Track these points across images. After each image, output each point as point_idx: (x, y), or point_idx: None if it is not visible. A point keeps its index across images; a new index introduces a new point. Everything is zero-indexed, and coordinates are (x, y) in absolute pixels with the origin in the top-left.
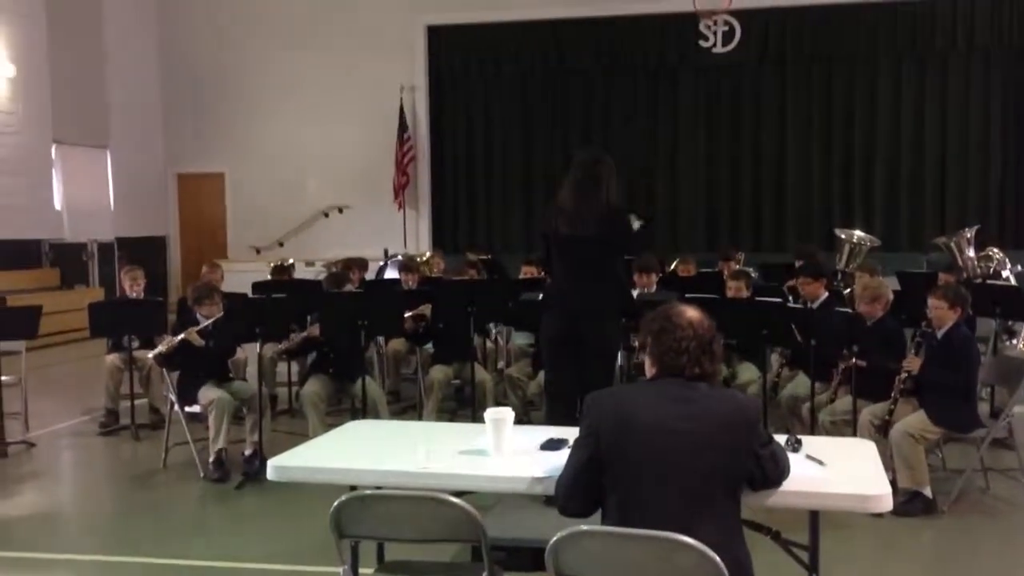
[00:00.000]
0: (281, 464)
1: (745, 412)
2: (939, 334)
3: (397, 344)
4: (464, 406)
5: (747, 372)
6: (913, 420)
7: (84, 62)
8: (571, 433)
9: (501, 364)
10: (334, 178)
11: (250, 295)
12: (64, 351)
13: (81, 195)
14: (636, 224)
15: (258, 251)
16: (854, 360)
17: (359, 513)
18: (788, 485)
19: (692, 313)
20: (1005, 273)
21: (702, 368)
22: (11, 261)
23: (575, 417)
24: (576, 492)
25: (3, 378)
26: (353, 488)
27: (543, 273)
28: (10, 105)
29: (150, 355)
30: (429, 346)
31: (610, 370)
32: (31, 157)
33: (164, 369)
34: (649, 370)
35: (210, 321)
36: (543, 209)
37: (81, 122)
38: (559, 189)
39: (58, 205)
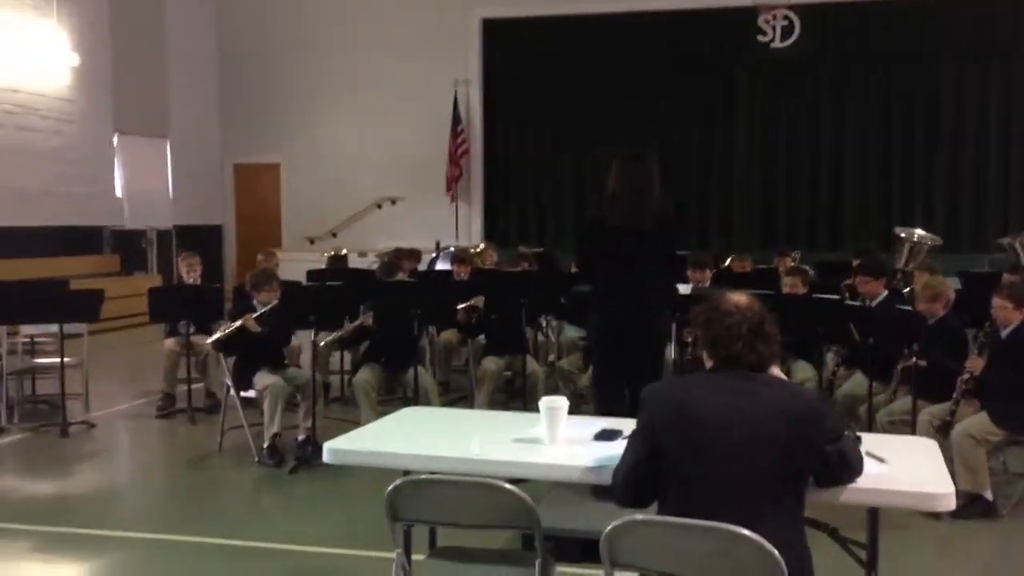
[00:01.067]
0: (337, 447)
1: (810, 405)
2: (1003, 334)
3: (448, 335)
4: (514, 398)
5: (802, 371)
6: (975, 422)
7: (146, 53)
8: (625, 424)
9: (552, 357)
10: (388, 170)
11: (304, 283)
12: (122, 336)
13: (141, 183)
14: None
15: (312, 241)
16: (914, 359)
17: (414, 497)
18: None
19: (738, 297)
20: None
21: (758, 353)
22: (74, 247)
23: (624, 411)
24: (633, 483)
25: (66, 359)
26: (406, 473)
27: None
28: (73, 95)
29: (208, 341)
30: (480, 338)
31: (659, 364)
32: (93, 146)
33: (220, 354)
34: (707, 363)
35: (267, 308)
36: (592, 205)
37: (142, 112)
38: (606, 184)
39: (119, 193)
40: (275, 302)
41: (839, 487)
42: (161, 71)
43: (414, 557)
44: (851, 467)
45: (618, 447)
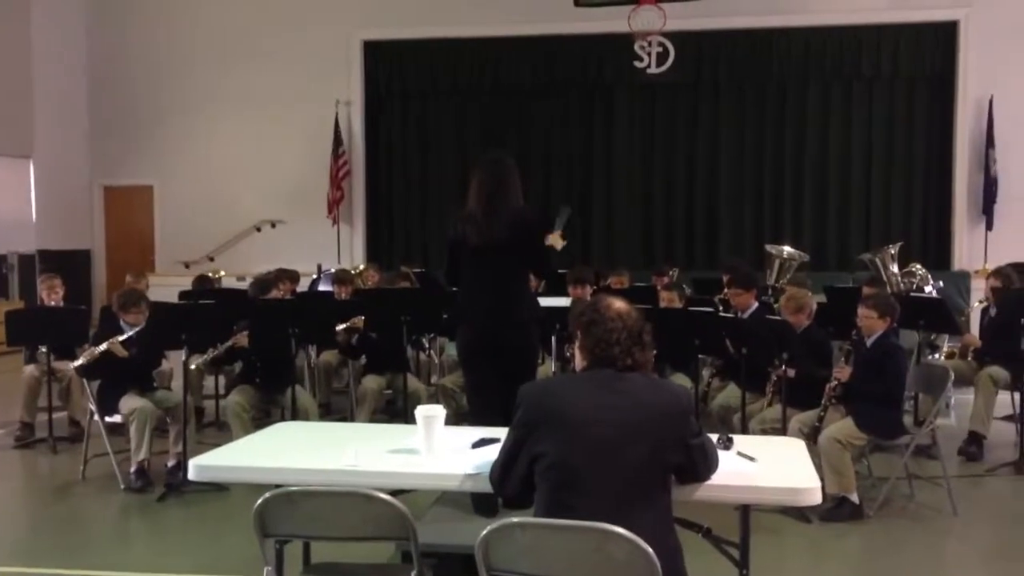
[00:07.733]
0: (203, 463)
1: (679, 401)
2: (868, 343)
3: (329, 356)
4: (396, 418)
5: (678, 382)
6: (841, 427)
7: (8, 69)
8: (503, 433)
9: (435, 378)
10: (267, 192)
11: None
12: None
13: (2, 206)
14: (560, 224)
15: (187, 265)
16: (784, 368)
17: (284, 511)
18: (720, 479)
19: (619, 304)
20: (928, 289)
21: (634, 359)
22: None
23: (500, 424)
24: (509, 478)
25: None
26: (278, 487)
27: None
28: None
29: (72, 366)
30: (362, 358)
31: (531, 376)
32: None
33: (84, 379)
34: (580, 363)
35: (134, 331)
36: (450, 219)
37: (4, 132)
38: (465, 198)
39: None
40: (143, 324)
41: (704, 483)
42: (25, 89)
43: None
44: (711, 463)
45: (496, 452)
